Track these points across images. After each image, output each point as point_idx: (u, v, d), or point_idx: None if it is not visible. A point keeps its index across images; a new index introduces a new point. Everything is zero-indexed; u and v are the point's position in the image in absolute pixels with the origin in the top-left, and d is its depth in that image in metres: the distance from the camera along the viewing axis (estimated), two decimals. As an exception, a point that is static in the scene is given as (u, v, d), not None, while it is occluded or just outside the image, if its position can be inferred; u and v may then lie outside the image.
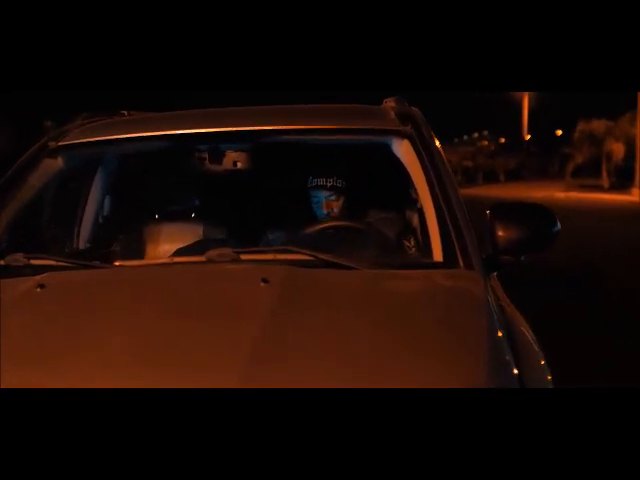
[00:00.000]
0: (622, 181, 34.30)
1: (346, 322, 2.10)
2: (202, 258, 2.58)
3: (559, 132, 44.23)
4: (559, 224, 2.81)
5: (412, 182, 3.22)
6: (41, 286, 2.34)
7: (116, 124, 3.40)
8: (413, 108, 3.33)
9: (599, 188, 35.26)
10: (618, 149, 36.16)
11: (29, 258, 2.68)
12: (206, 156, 3.36)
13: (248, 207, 3.92)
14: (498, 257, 2.74)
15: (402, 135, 3.06)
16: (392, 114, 3.21)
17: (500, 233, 2.72)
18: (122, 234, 3.79)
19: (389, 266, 2.61)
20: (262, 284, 2.24)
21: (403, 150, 3.07)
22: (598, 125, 37.22)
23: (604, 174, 37.30)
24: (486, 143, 53.25)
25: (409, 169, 3.07)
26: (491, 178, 45.41)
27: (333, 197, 3.63)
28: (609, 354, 6.06)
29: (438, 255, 2.67)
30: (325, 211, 3.59)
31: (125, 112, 3.81)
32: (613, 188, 34.59)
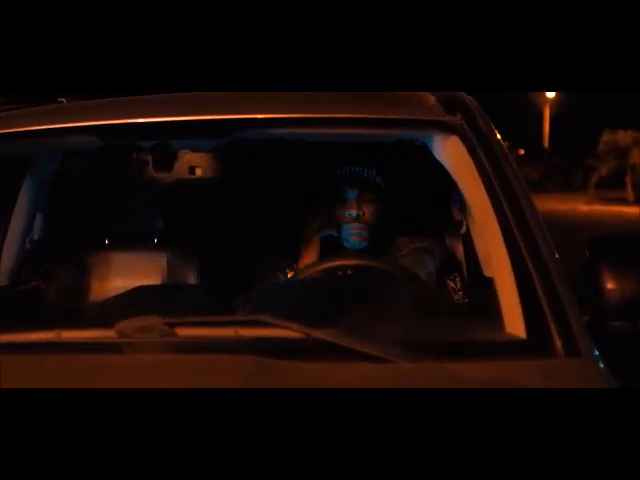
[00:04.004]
0: (647, 194, 33.47)
1: None
2: (110, 333, 1.53)
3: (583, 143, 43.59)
4: None
5: (458, 196, 2.37)
6: None
7: (28, 114, 2.37)
8: (462, 93, 2.28)
9: (624, 201, 34.51)
10: (644, 161, 35.34)
11: None
12: (149, 159, 2.33)
13: (229, 229, 2.93)
14: (606, 324, 1.74)
15: (448, 128, 2.04)
16: (433, 100, 2.16)
17: (610, 285, 1.73)
18: (57, 265, 2.88)
19: (441, 352, 1.51)
20: None
21: (450, 150, 2.05)
22: (624, 136, 36.45)
23: (629, 187, 36.52)
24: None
25: (458, 178, 2.05)
26: (512, 190, 44.37)
27: (367, 196, 2.63)
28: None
29: (515, 325, 1.59)
30: (355, 212, 2.61)
31: (63, 100, 2.83)
32: (638, 201, 33.72)
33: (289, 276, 2.62)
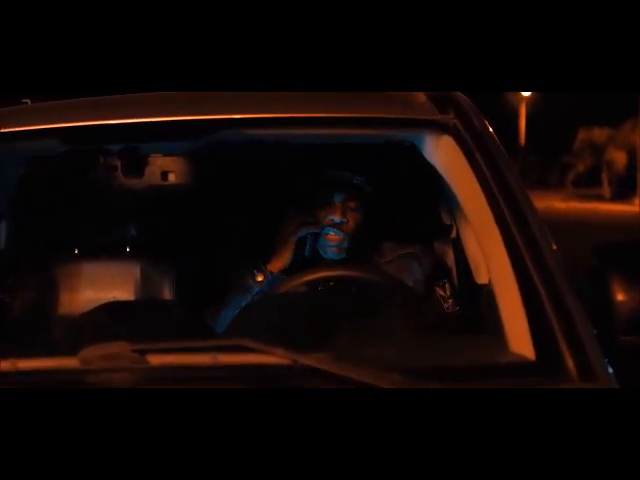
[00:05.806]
0: (624, 191, 33.90)
1: None
2: (73, 362, 1.38)
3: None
4: None
5: (447, 199, 2.29)
6: None
7: None
8: (456, 92, 2.16)
9: (600, 198, 34.99)
10: (620, 158, 35.91)
11: None
12: (117, 164, 2.20)
13: (205, 237, 2.81)
14: (616, 338, 1.61)
15: (441, 128, 1.91)
16: (423, 98, 2.04)
17: (620, 297, 1.61)
18: (23, 277, 2.69)
19: (443, 379, 1.36)
20: None
21: (442, 151, 1.92)
22: (600, 133, 36.88)
23: (605, 183, 36.98)
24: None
25: (451, 180, 1.94)
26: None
27: (352, 203, 2.50)
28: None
29: (521, 343, 1.45)
30: (339, 219, 2.48)
31: (28, 101, 2.71)
32: (615, 198, 34.25)
33: (259, 279, 2.48)
